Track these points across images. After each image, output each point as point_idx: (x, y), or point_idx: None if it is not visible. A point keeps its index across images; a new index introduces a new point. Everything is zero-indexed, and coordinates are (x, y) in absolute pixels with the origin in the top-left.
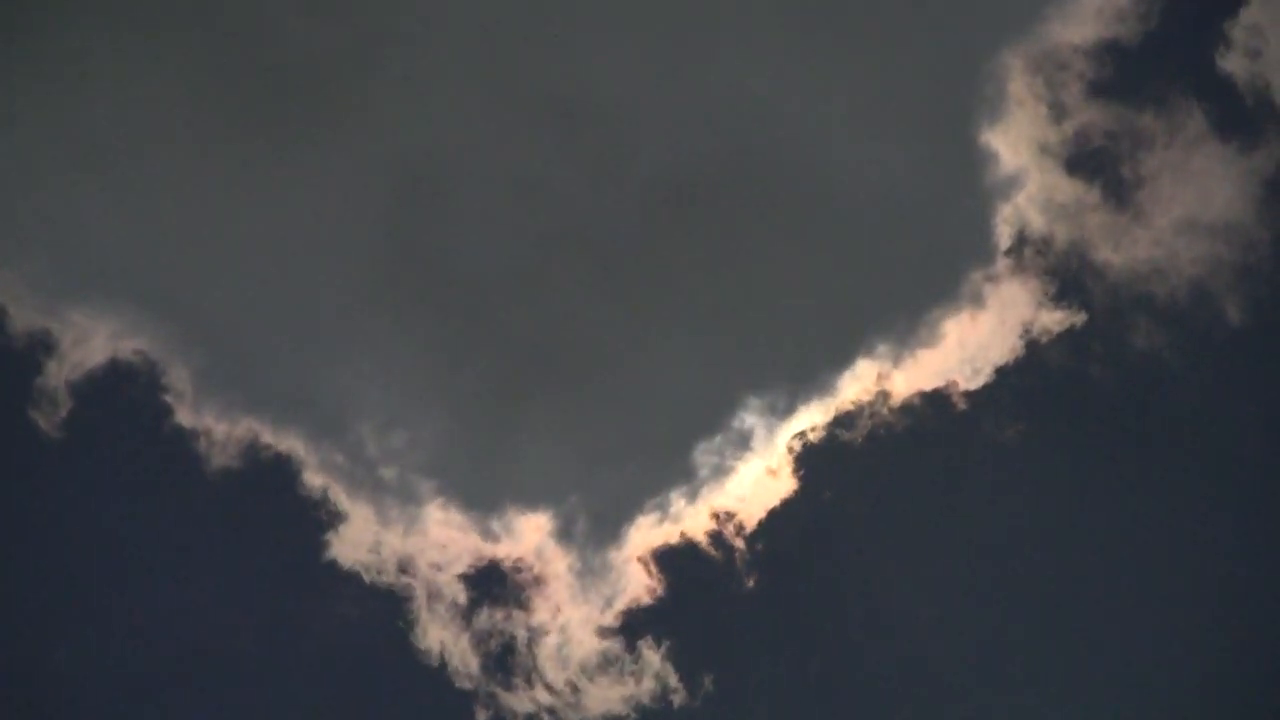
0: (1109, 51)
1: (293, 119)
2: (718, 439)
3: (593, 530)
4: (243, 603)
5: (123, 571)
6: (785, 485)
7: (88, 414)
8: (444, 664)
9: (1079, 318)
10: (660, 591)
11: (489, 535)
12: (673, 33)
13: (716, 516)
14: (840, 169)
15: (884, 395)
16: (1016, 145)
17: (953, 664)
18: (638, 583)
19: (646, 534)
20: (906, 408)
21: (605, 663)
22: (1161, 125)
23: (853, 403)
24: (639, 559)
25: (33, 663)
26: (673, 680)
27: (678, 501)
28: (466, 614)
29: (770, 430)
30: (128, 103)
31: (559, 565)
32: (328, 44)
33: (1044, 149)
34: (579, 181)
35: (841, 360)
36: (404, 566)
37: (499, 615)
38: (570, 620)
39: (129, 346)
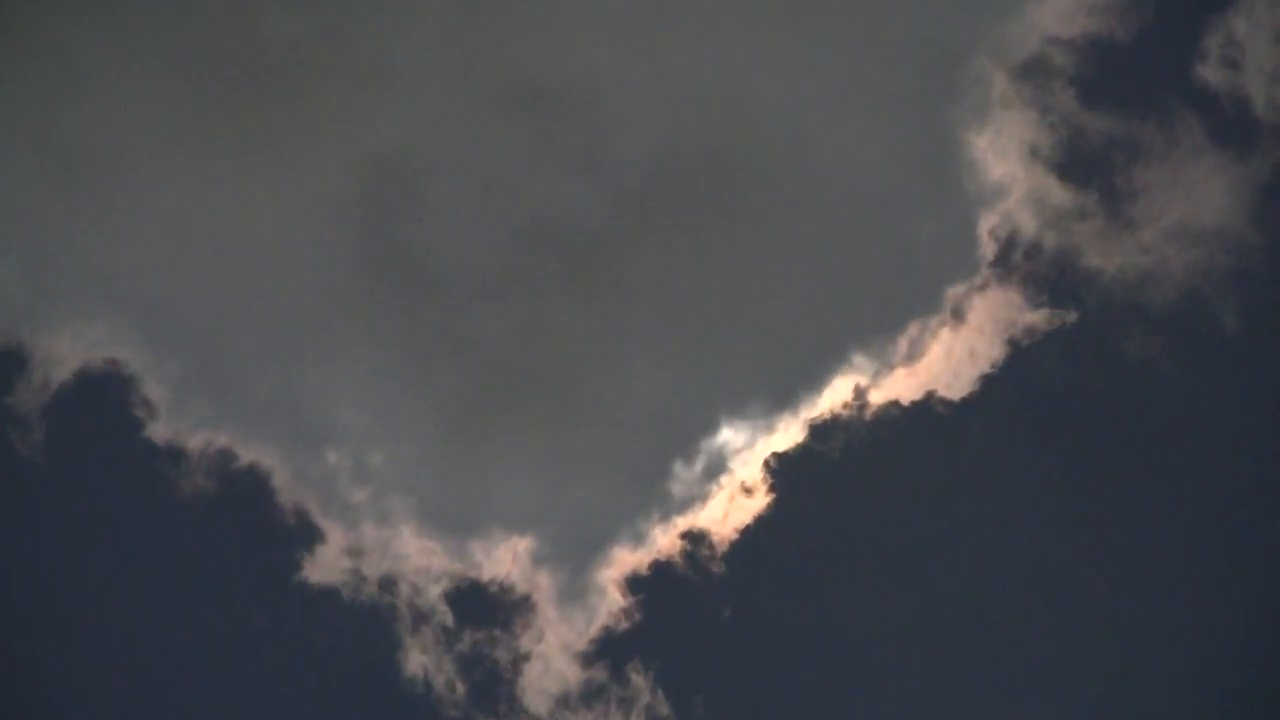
0: (1098, 54)
1: (263, 119)
2: (695, 456)
3: (572, 553)
4: (221, 624)
5: (99, 589)
6: (765, 502)
7: (60, 429)
8: (429, 688)
9: (1066, 326)
10: (643, 615)
11: (465, 558)
12: (654, 25)
13: (696, 536)
14: (824, 173)
15: (866, 408)
16: (1005, 149)
17: (942, 673)
18: (619, 607)
19: (627, 556)
20: (889, 420)
21: (591, 693)
22: (1153, 130)
23: (833, 415)
24: (619, 582)
25: (7, 685)
26: (665, 709)
27: (657, 522)
28: (445, 637)
29: (749, 446)
30: (95, 105)
31: (538, 590)
32: (296, 44)
33: (1033, 153)
34: (556, 179)
35: (822, 372)
36: (383, 586)
37: (479, 639)
38: (552, 647)
39: (100, 356)
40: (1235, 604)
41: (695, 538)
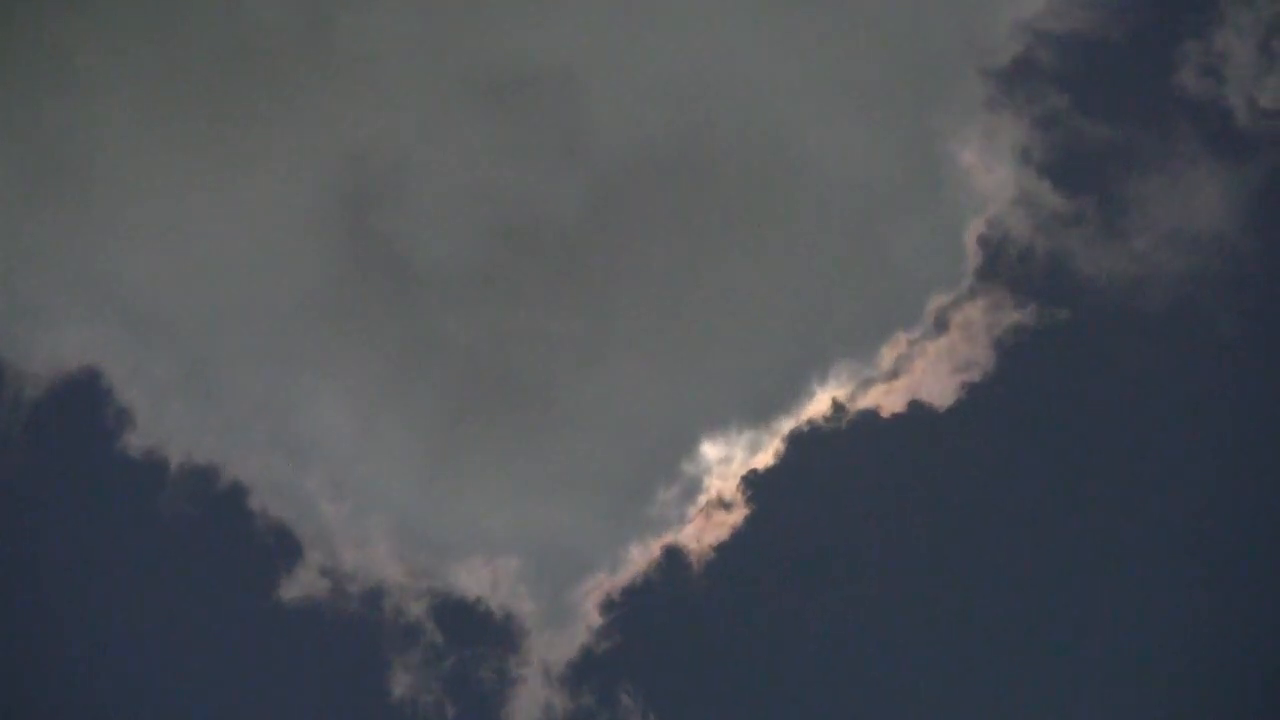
0: (1087, 58)
1: (241, 117)
2: (675, 471)
3: (553, 574)
4: (202, 643)
5: (79, 609)
6: (745, 518)
7: (36, 443)
8: (414, 709)
9: (1055, 334)
10: (627, 635)
11: (446, 578)
12: (636, 20)
13: (677, 554)
14: (807, 176)
15: (848, 420)
16: (992, 154)
17: (928, 683)
18: (602, 627)
19: (609, 575)
20: (872, 432)
21: (577, 718)
22: (1144, 134)
23: (814, 429)
24: (601, 601)
25: None
26: None
27: (637, 540)
28: (429, 658)
29: (728, 461)
30: (71, 102)
31: (520, 611)
32: (274, 39)
33: (1023, 158)
34: (536, 173)
35: (803, 384)
36: (364, 605)
37: (462, 661)
38: (534, 669)
39: (76, 364)
40: (1228, 610)
41: (676, 555)
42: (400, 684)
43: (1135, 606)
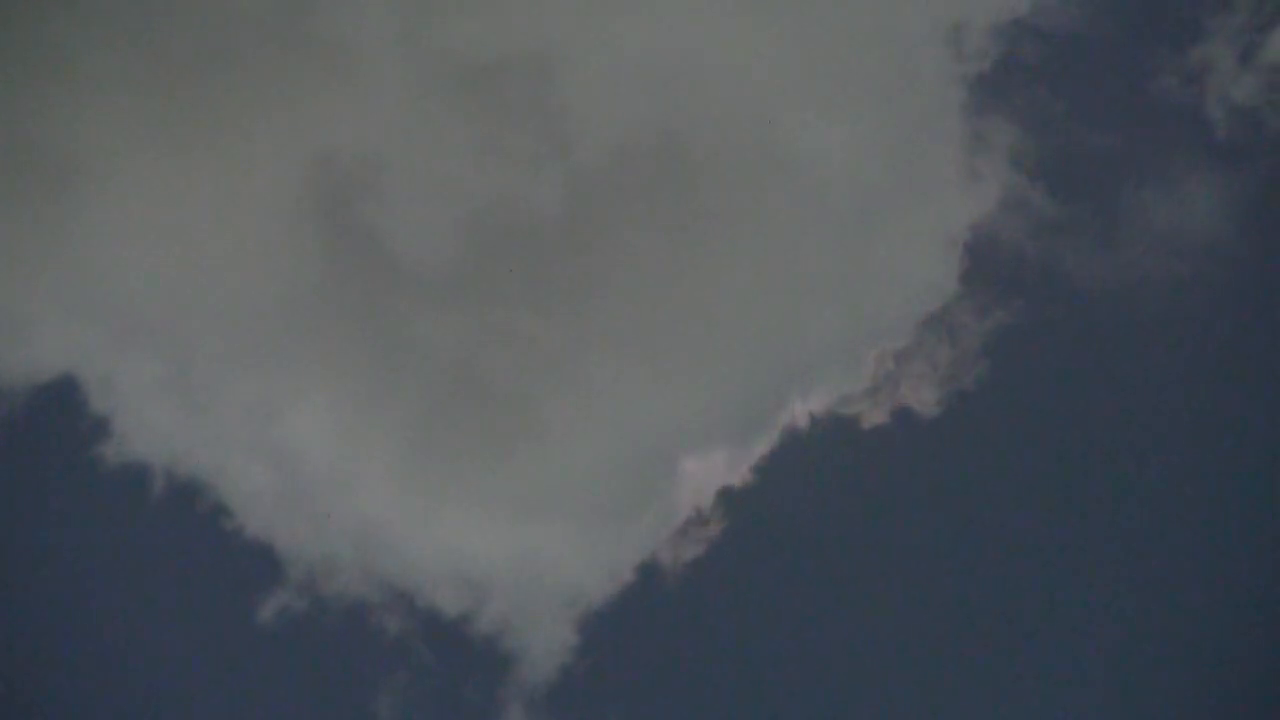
0: (1080, 59)
1: (221, 112)
2: (654, 485)
3: (530, 593)
4: (181, 659)
5: (51, 621)
6: (724, 532)
7: (7, 451)
8: None
9: (1042, 340)
10: (604, 654)
11: (426, 598)
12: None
13: (653, 569)
14: (795, 179)
15: (834, 428)
16: (982, 157)
17: (910, 702)
18: (580, 646)
19: (585, 594)
20: (857, 441)
21: None
22: (1132, 139)
23: (797, 439)
24: (578, 620)
25: None
26: None
27: (615, 556)
28: (409, 681)
29: (707, 475)
30: (47, 96)
31: (497, 633)
32: (247, 37)
33: (1011, 163)
34: (518, 170)
35: (788, 393)
36: (346, 624)
37: (446, 683)
38: (519, 692)
39: (50, 371)
40: (1225, 616)
41: (654, 572)
42: (382, 706)
43: (1128, 616)
